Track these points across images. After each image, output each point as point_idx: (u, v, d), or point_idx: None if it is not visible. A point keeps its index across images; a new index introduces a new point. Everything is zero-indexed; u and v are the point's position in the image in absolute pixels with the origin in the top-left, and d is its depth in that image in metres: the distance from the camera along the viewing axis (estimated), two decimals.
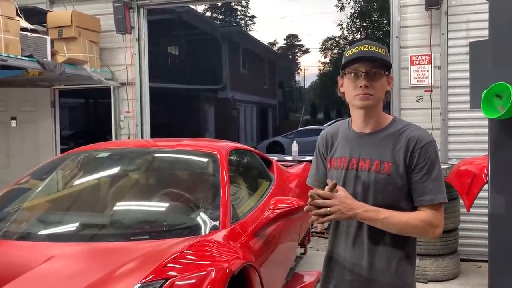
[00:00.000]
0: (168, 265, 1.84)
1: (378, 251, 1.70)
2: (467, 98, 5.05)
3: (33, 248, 2.25)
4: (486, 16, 5.17)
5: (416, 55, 5.44)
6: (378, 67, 1.66)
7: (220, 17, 38.57)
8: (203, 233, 2.32)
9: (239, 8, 44.51)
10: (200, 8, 35.10)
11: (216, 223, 2.41)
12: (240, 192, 3.08)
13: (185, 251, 1.96)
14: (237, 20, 39.38)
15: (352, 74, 1.68)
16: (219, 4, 42.59)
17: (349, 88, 1.71)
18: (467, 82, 5.06)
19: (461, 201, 3.98)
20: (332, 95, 36.40)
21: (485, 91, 2.10)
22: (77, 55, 5.94)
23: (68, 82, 6.56)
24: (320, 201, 1.59)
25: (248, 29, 35.25)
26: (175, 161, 3.14)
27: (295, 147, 5.09)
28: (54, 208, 2.87)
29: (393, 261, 1.69)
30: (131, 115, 6.45)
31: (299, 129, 19.18)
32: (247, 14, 45.26)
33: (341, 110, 37.43)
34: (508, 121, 2.06)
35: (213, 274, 1.77)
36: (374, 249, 1.70)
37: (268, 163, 3.99)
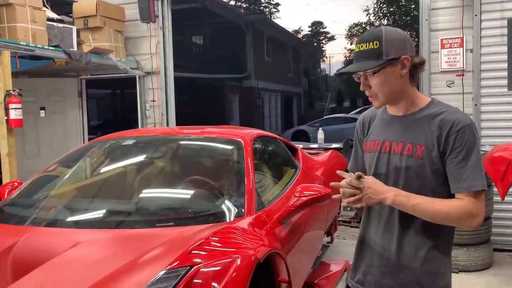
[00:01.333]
0: (193, 251, 1.81)
1: (407, 237, 1.63)
2: (502, 82, 4.87)
3: (60, 235, 2.27)
4: None
5: (447, 38, 5.23)
6: (368, 68, 1.59)
7: (244, 6, 38.37)
8: (228, 220, 2.29)
9: None
10: None
11: (241, 210, 2.38)
12: (265, 179, 3.04)
13: (210, 237, 1.93)
14: (261, 8, 39.09)
15: (356, 78, 1.69)
16: None
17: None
18: (502, 65, 4.88)
19: (495, 189, 3.83)
20: (358, 83, 35.71)
21: None
22: (103, 45, 5.98)
23: (94, 72, 6.64)
24: (345, 186, 1.57)
25: (272, 17, 34.96)
26: (199, 148, 3.12)
27: (320, 134, 5.00)
28: (81, 195, 2.90)
29: (421, 249, 1.62)
30: (156, 104, 6.48)
31: (324, 117, 18.97)
32: (271, 2, 44.90)
33: (367, 98, 36.70)
34: None
35: (238, 261, 1.74)
36: (404, 235, 1.64)
37: (293, 150, 3.93)
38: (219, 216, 2.33)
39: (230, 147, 2.97)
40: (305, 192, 2.56)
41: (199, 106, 18.09)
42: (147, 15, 6.24)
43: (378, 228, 1.70)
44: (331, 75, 56.34)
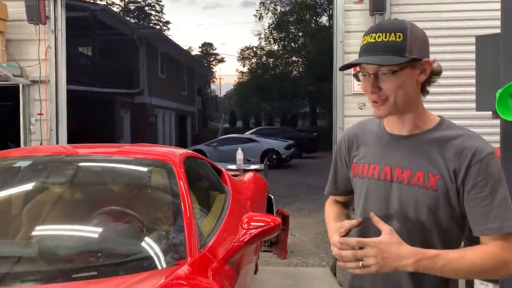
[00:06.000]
0: None
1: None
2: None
3: None
4: (429, 24, 5.24)
5: None
6: (390, 63, 1.26)
7: (133, 21, 37.03)
8: (167, 265, 1.80)
9: (153, 13, 43.15)
10: (114, 9, 33.37)
11: (182, 250, 1.90)
12: (198, 208, 2.58)
13: None
14: (151, 25, 38.20)
15: (360, 75, 1.34)
16: (132, 7, 40.97)
17: (364, 89, 1.35)
18: None
19: None
20: (250, 105, 36.87)
21: (500, 91, 1.86)
22: None
23: None
24: (349, 254, 1.22)
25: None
26: (117, 172, 2.53)
27: (240, 155, 4.65)
28: None
29: None
30: (44, 117, 5.58)
31: (222, 137, 18.75)
32: (162, 19, 44.04)
33: (259, 119, 37.72)
34: None
35: None
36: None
37: (218, 172, 3.52)
38: (155, 261, 1.82)
39: (157, 170, 2.46)
40: (252, 224, 2.18)
41: (87, 122, 16.63)
42: (36, 16, 5.40)
43: (375, 281, 1.38)
44: (220, 96, 56.96)
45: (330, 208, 1.59)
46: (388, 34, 1.26)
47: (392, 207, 1.34)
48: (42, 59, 5.56)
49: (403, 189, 1.32)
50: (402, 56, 1.25)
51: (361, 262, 1.20)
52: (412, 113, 1.35)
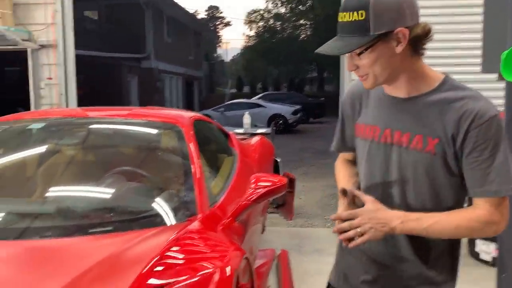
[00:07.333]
0: (155, 269, 1.39)
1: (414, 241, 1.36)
2: None
3: None
4: None
5: None
6: (348, 51, 1.25)
7: None
8: (179, 221, 1.89)
9: None
10: None
11: (193, 207, 1.99)
12: (207, 169, 2.66)
13: (171, 249, 1.52)
14: None
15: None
16: None
17: None
18: None
19: None
20: (257, 70, 36.42)
21: (505, 53, 1.87)
22: None
23: None
24: (345, 225, 1.28)
25: None
26: (129, 134, 2.60)
27: (247, 119, 4.70)
28: None
29: (432, 252, 1.36)
30: (53, 82, 5.64)
31: (229, 102, 18.73)
32: None
33: (266, 84, 37.47)
34: None
35: (216, 277, 1.37)
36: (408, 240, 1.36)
37: (225, 136, 3.59)
38: (168, 217, 1.91)
39: (167, 132, 2.53)
40: (260, 184, 2.25)
41: (93, 87, 16.67)
42: None
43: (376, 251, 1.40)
44: (227, 60, 56.52)
45: (340, 169, 1.59)
46: (351, 13, 1.22)
47: (391, 170, 1.35)
48: (49, 23, 5.56)
49: (402, 153, 1.33)
50: (365, 36, 1.21)
51: (358, 229, 1.26)
52: (404, 78, 1.31)
